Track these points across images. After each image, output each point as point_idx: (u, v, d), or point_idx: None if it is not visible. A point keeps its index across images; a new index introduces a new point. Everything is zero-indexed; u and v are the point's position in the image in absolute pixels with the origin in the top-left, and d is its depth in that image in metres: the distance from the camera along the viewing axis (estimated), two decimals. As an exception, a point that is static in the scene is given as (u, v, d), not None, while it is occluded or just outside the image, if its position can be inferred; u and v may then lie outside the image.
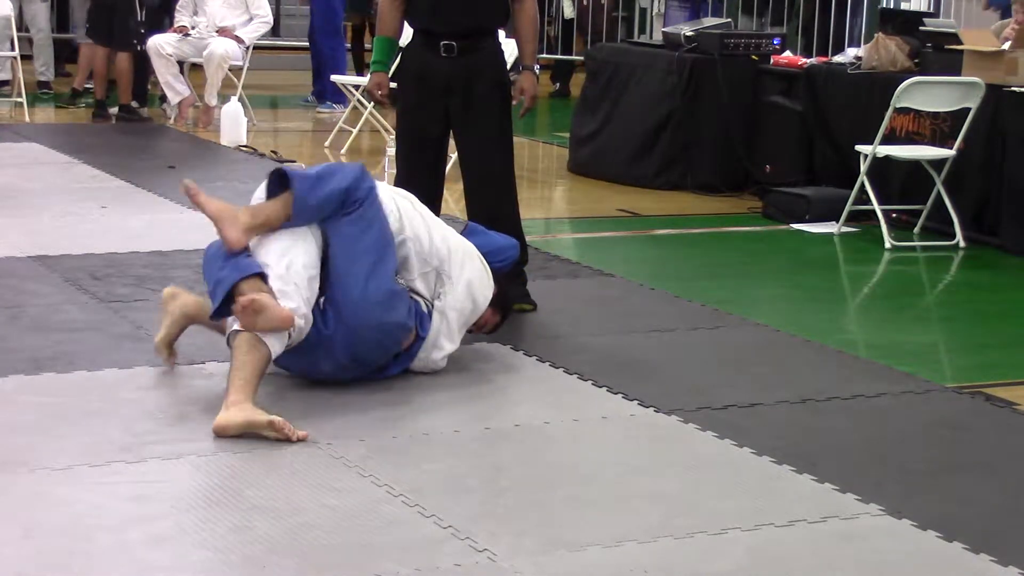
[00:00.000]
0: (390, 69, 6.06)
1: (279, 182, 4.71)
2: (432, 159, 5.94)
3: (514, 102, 5.91)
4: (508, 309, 5.41)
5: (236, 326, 4.47)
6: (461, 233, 5.30)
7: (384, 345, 4.81)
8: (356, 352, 4.74)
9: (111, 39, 11.30)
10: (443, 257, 5.00)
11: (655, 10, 14.68)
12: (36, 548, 3.49)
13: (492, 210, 5.81)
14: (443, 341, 4.99)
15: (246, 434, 4.27)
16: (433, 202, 5.83)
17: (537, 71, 5.94)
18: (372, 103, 10.54)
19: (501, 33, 6.01)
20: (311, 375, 4.80)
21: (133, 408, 4.54)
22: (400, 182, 5.90)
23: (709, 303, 6.22)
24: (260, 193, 4.81)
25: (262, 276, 4.54)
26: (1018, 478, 4.28)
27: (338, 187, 4.69)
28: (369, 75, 6.05)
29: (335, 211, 4.70)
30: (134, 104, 11.87)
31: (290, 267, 4.60)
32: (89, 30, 11.65)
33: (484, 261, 5.16)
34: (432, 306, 4.98)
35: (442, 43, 5.76)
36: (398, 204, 4.99)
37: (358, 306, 4.68)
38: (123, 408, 4.54)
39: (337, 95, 12.08)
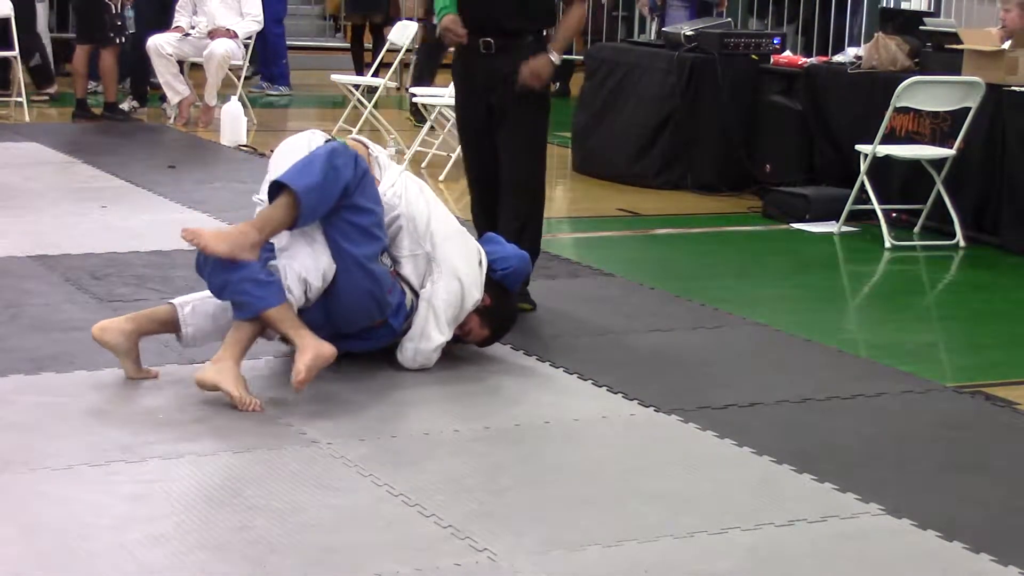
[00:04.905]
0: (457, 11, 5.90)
1: (279, 188, 4.73)
2: (487, 145, 5.97)
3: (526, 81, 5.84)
4: (502, 327, 5.26)
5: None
6: (478, 239, 5.32)
7: (353, 312, 4.86)
8: (329, 312, 4.81)
9: (91, 37, 11.27)
10: (436, 243, 5.02)
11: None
12: (36, 548, 3.49)
13: (513, 211, 5.87)
14: (432, 331, 4.99)
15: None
16: (491, 184, 5.92)
17: (555, 60, 5.83)
18: (373, 104, 10.60)
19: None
20: None
21: (133, 408, 4.54)
22: (467, 169, 6.12)
23: (709, 303, 6.22)
24: (263, 195, 4.88)
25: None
26: (1018, 478, 4.28)
27: (338, 186, 4.69)
28: (438, 22, 5.95)
29: (335, 205, 4.73)
30: (135, 104, 11.88)
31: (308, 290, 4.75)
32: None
33: (484, 265, 5.15)
34: (418, 296, 5.01)
35: (481, 40, 5.81)
36: (405, 183, 5.05)
37: (341, 271, 4.76)
38: (123, 408, 4.55)
39: (284, 78, 13.91)
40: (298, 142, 5.05)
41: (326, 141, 4.98)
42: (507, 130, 5.87)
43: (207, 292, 4.82)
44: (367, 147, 5.13)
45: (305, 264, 4.70)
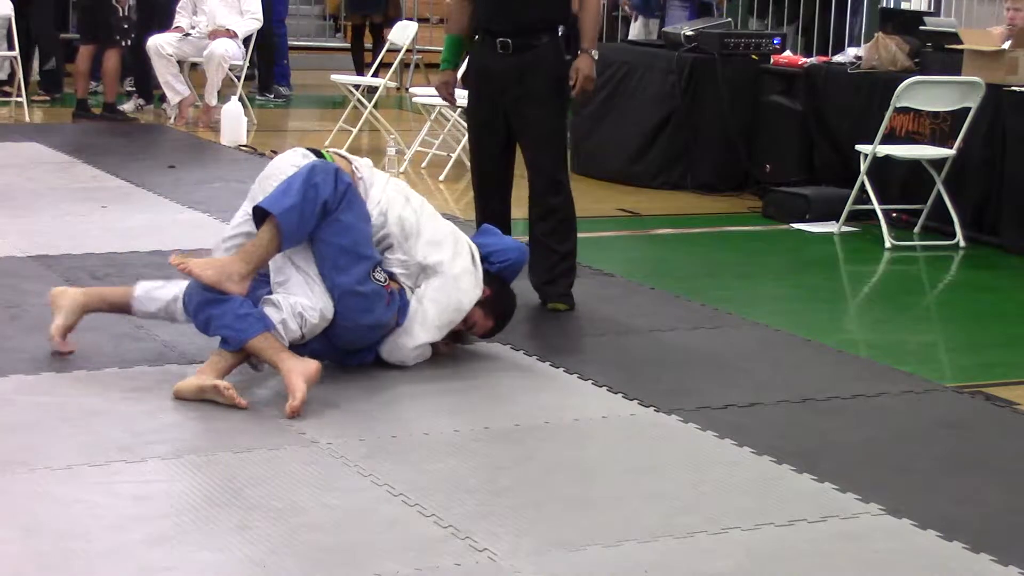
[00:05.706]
0: (458, 67, 6.22)
1: (262, 215, 4.74)
2: (498, 147, 6.02)
3: (572, 86, 5.91)
4: (504, 316, 5.30)
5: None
6: (473, 235, 5.32)
7: (355, 341, 4.92)
8: (331, 340, 4.86)
9: (96, 38, 11.27)
10: (427, 252, 5.02)
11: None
12: (36, 548, 3.49)
13: (540, 208, 5.94)
14: (416, 329, 4.98)
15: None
16: (503, 184, 6.06)
17: (595, 55, 5.92)
18: (373, 104, 10.60)
19: None
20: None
21: (133, 408, 4.54)
22: (473, 168, 6.17)
23: (709, 303, 6.22)
24: (240, 216, 5.00)
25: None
26: (1018, 478, 4.28)
27: (318, 203, 4.69)
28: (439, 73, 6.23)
29: (318, 223, 4.74)
30: (140, 102, 11.89)
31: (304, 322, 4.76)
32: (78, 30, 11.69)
33: (478, 261, 5.15)
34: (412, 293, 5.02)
35: (498, 40, 5.85)
36: (389, 197, 5.03)
37: (338, 304, 4.78)
38: (123, 408, 4.54)
39: (285, 78, 13.86)
40: (287, 161, 5.03)
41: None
42: (526, 123, 5.91)
43: (162, 283, 5.04)
44: (350, 162, 5.10)
45: (301, 301, 4.73)
